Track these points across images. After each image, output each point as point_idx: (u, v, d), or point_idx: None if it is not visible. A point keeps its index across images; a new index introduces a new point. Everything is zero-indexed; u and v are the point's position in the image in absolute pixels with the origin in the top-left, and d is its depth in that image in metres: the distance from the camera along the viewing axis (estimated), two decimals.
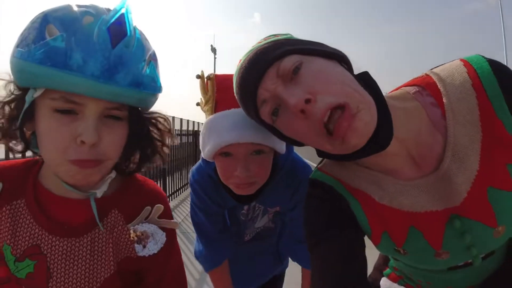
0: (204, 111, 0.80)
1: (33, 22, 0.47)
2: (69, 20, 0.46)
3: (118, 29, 0.48)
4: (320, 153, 0.59)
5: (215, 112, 0.75)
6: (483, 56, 0.53)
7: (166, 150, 0.63)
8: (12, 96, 0.51)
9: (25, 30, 0.48)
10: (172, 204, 5.23)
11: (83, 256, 0.55)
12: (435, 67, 0.57)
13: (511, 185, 0.50)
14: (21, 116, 0.50)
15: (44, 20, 0.46)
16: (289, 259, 1.14)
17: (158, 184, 4.65)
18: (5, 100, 0.52)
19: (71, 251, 0.55)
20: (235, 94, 0.59)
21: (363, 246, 0.57)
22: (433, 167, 0.52)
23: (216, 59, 33.11)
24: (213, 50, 33.69)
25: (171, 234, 0.62)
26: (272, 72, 0.51)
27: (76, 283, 0.55)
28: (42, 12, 0.47)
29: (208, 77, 0.77)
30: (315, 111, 0.47)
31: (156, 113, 0.61)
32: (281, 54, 0.51)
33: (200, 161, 0.93)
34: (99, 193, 0.56)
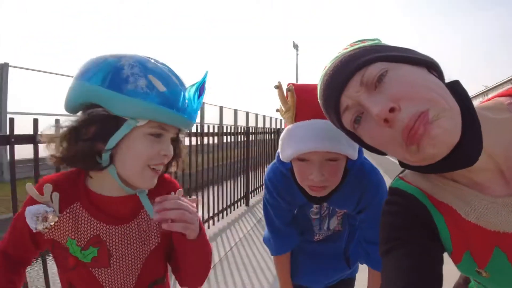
0: (284, 118, 0.86)
1: (131, 67, 0.63)
2: (165, 77, 0.65)
3: (200, 90, 0.72)
4: (402, 163, 0.57)
5: (295, 121, 0.83)
6: None
7: (179, 163, 0.80)
8: (103, 123, 0.64)
9: (121, 73, 0.62)
10: (253, 200, 5.39)
11: (133, 236, 0.72)
12: None
13: None
14: (117, 138, 0.64)
15: (145, 69, 0.63)
16: (359, 265, 1.18)
17: (241, 180, 4.90)
18: (88, 124, 0.64)
19: (123, 234, 0.72)
20: (318, 100, 0.61)
21: (441, 260, 0.54)
22: None
23: (298, 55, 33.02)
24: (295, 46, 33.61)
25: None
26: (356, 79, 0.51)
27: (130, 257, 0.72)
28: (134, 61, 0.64)
29: (288, 89, 0.83)
30: (399, 121, 0.46)
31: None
32: (366, 61, 0.50)
33: (275, 160, 1.01)
34: (146, 190, 0.73)
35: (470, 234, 0.52)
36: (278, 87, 0.85)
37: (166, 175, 0.82)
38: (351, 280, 1.26)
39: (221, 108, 15.45)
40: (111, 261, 0.70)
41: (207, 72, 0.75)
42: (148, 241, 0.74)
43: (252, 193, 5.46)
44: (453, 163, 0.48)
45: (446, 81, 0.53)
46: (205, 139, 3.77)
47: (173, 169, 0.80)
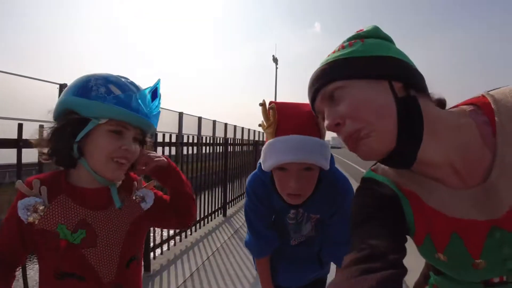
0: (266, 133, 0.97)
1: (95, 80, 0.79)
2: (121, 85, 0.80)
3: (154, 94, 0.88)
4: None
5: (276, 135, 0.93)
6: None
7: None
8: (72, 122, 0.78)
9: (88, 84, 0.78)
10: (230, 211, 5.41)
11: (113, 218, 0.85)
12: (491, 90, 0.60)
13: None
14: (83, 133, 0.78)
15: (105, 81, 0.79)
16: (331, 265, 1.27)
17: (218, 191, 4.93)
18: (62, 125, 0.79)
19: (105, 217, 0.84)
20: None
21: (404, 237, 0.61)
22: (478, 180, 0.55)
23: (277, 69, 33.51)
24: (275, 60, 34.09)
25: (155, 192, 1.00)
26: (319, 96, 0.63)
27: (112, 236, 0.84)
28: (97, 75, 0.80)
29: (271, 107, 0.94)
30: (342, 133, 0.59)
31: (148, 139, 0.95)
32: (325, 82, 0.61)
33: (256, 169, 1.12)
34: (118, 183, 0.88)
35: (431, 218, 0.59)
36: (263, 104, 0.96)
37: (132, 174, 0.96)
38: (324, 279, 1.36)
39: (199, 119, 15.42)
40: (98, 241, 0.81)
41: (159, 80, 0.91)
42: (126, 222, 0.87)
43: (230, 204, 5.47)
44: (391, 164, 0.60)
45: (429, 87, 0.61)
46: (184, 149, 3.80)
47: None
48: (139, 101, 0.81)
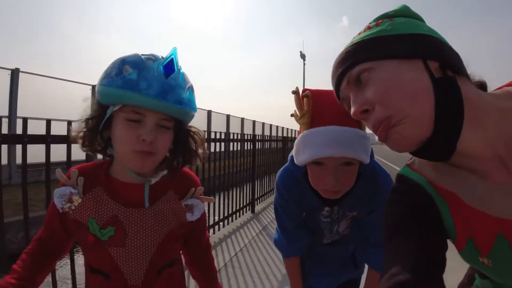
0: (299, 123, 0.87)
1: (114, 63, 0.71)
2: (138, 62, 0.70)
3: (169, 68, 0.72)
4: None
5: (311, 126, 0.84)
6: None
7: (200, 155, 0.86)
8: (96, 112, 0.75)
9: (108, 68, 0.71)
10: (258, 207, 5.42)
11: (148, 220, 0.79)
12: None
13: None
14: (102, 124, 0.73)
15: (122, 62, 0.70)
16: (366, 265, 1.19)
17: (247, 188, 4.95)
18: (91, 116, 0.75)
19: (139, 217, 0.78)
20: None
21: (444, 246, 0.54)
22: None
23: (305, 65, 33.15)
24: (302, 56, 33.74)
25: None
26: (345, 80, 0.57)
27: (144, 239, 0.78)
28: (120, 58, 0.71)
29: (305, 95, 0.84)
30: (370, 120, 0.53)
31: (193, 127, 0.85)
32: (351, 65, 0.55)
33: (288, 163, 1.02)
34: (154, 181, 0.80)
35: (473, 220, 0.53)
36: (296, 92, 0.87)
37: (186, 169, 0.88)
38: (358, 280, 1.29)
39: (228, 117, 15.55)
40: (127, 241, 0.76)
41: (174, 49, 0.75)
42: (163, 227, 0.80)
43: (258, 200, 5.47)
44: (427, 156, 0.53)
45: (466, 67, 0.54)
46: (212, 146, 3.83)
47: (195, 161, 0.86)
48: (148, 78, 0.69)
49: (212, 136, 3.87)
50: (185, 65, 0.81)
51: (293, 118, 0.90)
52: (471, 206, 0.53)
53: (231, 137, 4.44)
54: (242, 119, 17.28)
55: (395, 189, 0.62)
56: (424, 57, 0.50)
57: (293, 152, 0.91)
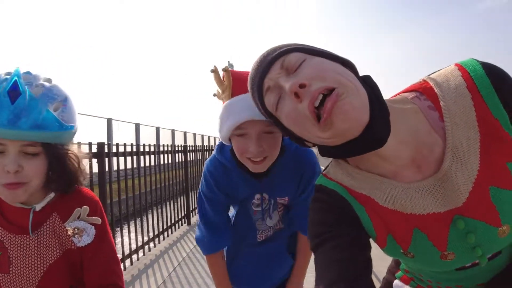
0: (222, 99, 0.90)
1: None
2: None
3: (14, 91, 0.65)
4: (322, 151, 0.61)
5: (232, 97, 0.87)
6: (476, 60, 0.54)
7: (83, 176, 0.80)
8: None
9: None
10: (194, 219, 5.31)
11: (32, 248, 0.75)
12: (431, 73, 0.59)
13: None
14: None
15: None
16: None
17: (182, 200, 4.82)
18: None
19: (23, 244, 0.75)
20: (248, 86, 0.65)
21: (368, 247, 0.57)
22: (433, 169, 0.53)
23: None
24: (231, 66, 34.09)
25: (101, 229, 0.81)
26: (277, 64, 0.56)
27: (28, 267, 0.74)
28: None
29: (224, 69, 0.87)
30: (307, 94, 0.50)
31: (69, 150, 0.77)
32: (287, 50, 0.56)
33: (214, 153, 1.04)
34: (39, 207, 0.76)
35: (389, 219, 0.56)
36: (214, 70, 0.89)
37: (83, 188, 0.82)
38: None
39: (157, 129, 15.03)
40: (11, 269, 0.74)
41: (16, 70, 0.69)
42: (47, 255, 0.76)
43: (194, 212, 5.36)
44: (365, 144, 0.52)
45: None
46: (142, 160, 3.68)
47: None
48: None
49: (141, 149, 3.72)
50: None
51: (221, 101, 0.91)
52: (385, 207, 0.56)
53: (161, 149, 4.31)
54: (173, 131, 16.84)
55: (315, 199, 0.64)
56: (342, 62, 0.56)
57: (218, 130, 0.91)
